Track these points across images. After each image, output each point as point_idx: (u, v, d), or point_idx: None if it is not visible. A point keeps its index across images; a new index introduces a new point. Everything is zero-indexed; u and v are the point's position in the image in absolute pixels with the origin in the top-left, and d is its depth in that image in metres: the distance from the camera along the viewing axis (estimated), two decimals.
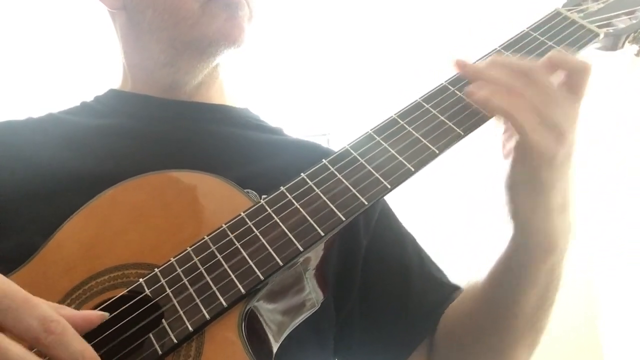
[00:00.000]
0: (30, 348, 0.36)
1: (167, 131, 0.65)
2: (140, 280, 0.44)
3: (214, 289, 0.43)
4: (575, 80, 0.47)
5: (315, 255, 0.46)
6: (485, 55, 0.53)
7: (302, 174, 0.47)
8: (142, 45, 0.67)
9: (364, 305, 0.61)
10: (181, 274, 0.44)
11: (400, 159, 0.47)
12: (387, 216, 0.68)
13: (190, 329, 0.41)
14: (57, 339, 0.35)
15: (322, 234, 0.44)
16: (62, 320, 0.36)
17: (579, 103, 0.47)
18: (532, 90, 0.45)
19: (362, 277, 0.62)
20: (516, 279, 0.51)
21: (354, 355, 0.62)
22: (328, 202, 0.45)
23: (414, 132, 0.48)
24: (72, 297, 0.45)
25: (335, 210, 0.45)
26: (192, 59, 0.65)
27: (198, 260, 0.44)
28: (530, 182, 0.47)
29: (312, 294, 0.47)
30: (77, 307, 0.44)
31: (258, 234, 0.45)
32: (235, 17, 0.63)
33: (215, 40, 0.63)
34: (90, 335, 0.40)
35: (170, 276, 0.44)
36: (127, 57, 0.70)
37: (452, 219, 2.95)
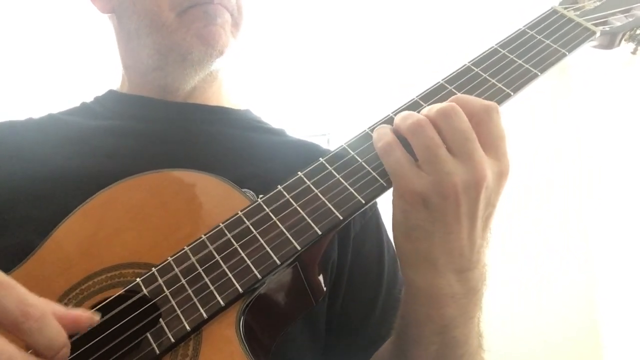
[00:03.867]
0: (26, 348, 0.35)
1: (165, 132, 0.65)
2: (138, 279, 0.44)
3: (212, 288, 0.43)
4: (480, 124, 0.42)
5: (313, 253, 0.46)
6: (483, 53, 0.53)
7: (299, 172, 0.47)
8: (132, 48, 0.68)
9: (342, 305, 0.62)
10: (178, 273, 0.44)
11: None
12: (377, 224, 0.67)
13: (188, 328, 0.41)
14: (35, 326, 0.34)
15: (320, 232, 0.44)
16: (40, 303, 0.35)
17: (479, 155, 0.40)
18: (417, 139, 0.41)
19: (347, 279, 0.62)
20: (407, 334, 0.47)
21: (328, 352, 0.62)
22: (325, 201, 0.45)
23: None
24: (69, 297, 0.45)
25: (333, 209, 0.45)
26: (178, 65, 0.65)
27: (195, 259, 0.44)
28: (403, 226, 0.43)
29: (310, 291, 0.47)
30: (74, 307, 0.44)
31: (255, 233, 0.45)
32: (212, 24, 0.62)
33: (193, 47, 0.62)
34: (88, 335, 0.40)
35: (168, 275, 0.44)
36: (122, 59, 0.71)
37: None
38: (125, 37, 0.68)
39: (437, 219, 0.40)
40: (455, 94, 0.50)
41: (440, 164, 0.39)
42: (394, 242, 0.45)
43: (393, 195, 0.43)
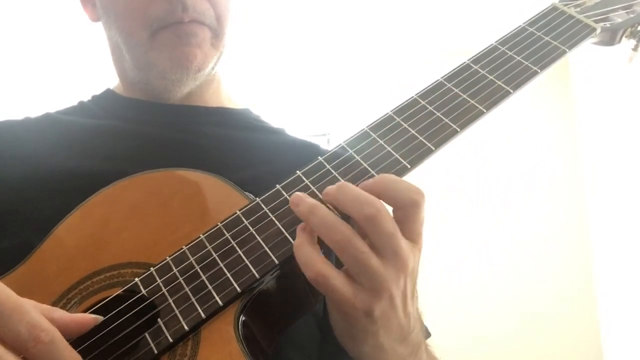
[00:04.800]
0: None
1: (164, 134, 0.65)
2: (136, 279, 0.44)
3: (210, 287, 0.42)
4: (404, 218, 0.41)
5: None
6: (483, 51, 0.53)
7: (297, 171, 0.47)
8: (117, 59, 0.69)
9: None
10: (177, 272, 0.44)
11: (396, 155, 0.47)
12: None
13: (186, 328, 0.41)
14: (46, 349, 0.35)
15: None
16: (51, 329, 0.36)
17: (406, 247, 0.41)
18: (344, 250, 0.40)
19: None
20: None
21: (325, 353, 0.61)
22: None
23: (410, 128, 0.48)
24: (67, 297, 0.45)
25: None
26: (159, 82, 0.65)
27: (194, 259, 0.44)
28: (349, 331, 0.44)
29: (309, 291, 0.47)
30: (73, 307, 0.44)
31: (254, 232, 0.45)
32: (186, 46, 0.61)
33: (168, 68, 0.62)
34: (85, 335, 0.40)
35: (166, 275, 0.44)
36: (114, 64, 0.71)
37: (449, 216, 2.95)
38: (111, 46, 0.69)
39: (379, 319, 0.42)
40: (454, 91, 0.50)
41: (374, 274, 0.40)
42: (340, 342, 0.46)
43: (330, 308, 0.44)
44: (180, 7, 0.60)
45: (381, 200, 0.41)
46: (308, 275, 0.40)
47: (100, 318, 0.39)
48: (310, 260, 0.40)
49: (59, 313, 0.38)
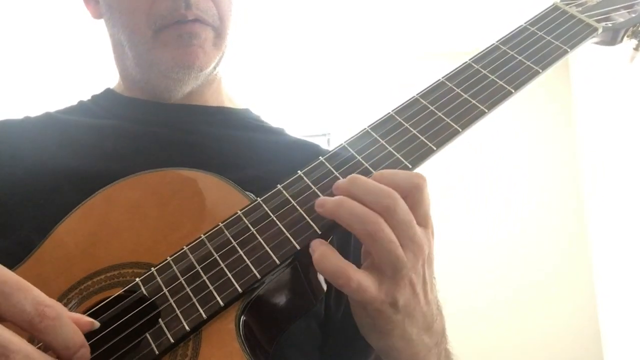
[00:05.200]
0: (29, 339, 0.36)
1: (164, 134, 0.64)
2: (137, 279, 0.44)
3: (211, 288, 0.42)
4: (412, 202, 0.42)
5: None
6: (484, 50, 0.53)
7: (298, 171, 0.47)
8: (119, 56, 0.68)
9: (345, 307, 0.61)
10: (177, 273, 0.44)
11: (398, 155, 0.46)
12: None
13: (187, 328, 0.41)
14: (51, 324, 0.35)
15: (319, 232, 0.43)
16: (56, 304, 0.36)
17: (417, 233, 0.41)
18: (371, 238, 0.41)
19: None
20: None
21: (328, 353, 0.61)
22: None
23: (411, 128, 0.48)
24: (68, 297, 0.45)
25: None
26: (161, 81, 0.65)
27: (194, 259, 0.44)
28: (375, 325, 0.44)
29: (310, 291, 0.47)
30: (74, 307, 0.44)
31: (255, 232, 0.44)
32: (188, 46, 0.61)
33: (170, 67, 0.62)
34: (87, 335, 0.40)
35: (167, 275, 0.44)
36: (115, 63, 0.71)
37: (449, 216, 2.95)
38: (113, 44, 0.69)
39: (402, 308, 0.42)
40: (456, 91, 0.50)
41: (399, 263, 0.41)
42: (367, 340, 0.47)
43: (354, 307, 0.45)
44: (184, 4, 0.60)
45: (395, 192, 0.41)
46: (340, 284, 0.40)
47: (97, 324, 0.39)
48: (341, 269, 0.40)
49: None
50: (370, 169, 0.46)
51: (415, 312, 0.44)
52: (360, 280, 0.40)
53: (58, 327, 0.35)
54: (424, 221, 0.43)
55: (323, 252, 0.41)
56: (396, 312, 0.42)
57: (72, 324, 0.36)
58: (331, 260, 0.41)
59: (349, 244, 0.60)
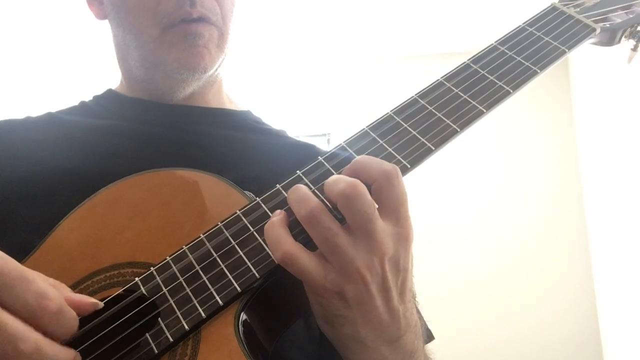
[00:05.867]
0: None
1: (165, 134, 0.65)
2: (136, 279, 0.44)
3: (210, 287, 0.42)
4: (378, 191, 0.41)
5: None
6: (483, 51, 0.53)
7: (297, 171, 0.47)
8: (123, 57, 0.69)
9: None
10: (177, 272, 0.44)
11: (397, 155, 0.47)
12: None
13: (187, 328, 0.41)
14: (54, 317, 0.35)
15: None
16: (58, 297, 0.36)
17: (389, 226, 0.40)
18: (314, 228, 0.40)
19: None
20: None
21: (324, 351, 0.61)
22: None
23: (410, 128, 0.48)
24: None
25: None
26: (165, 81, 0.65)
27: (194, 258, 0.44)
28: (325, 316, 0.43)
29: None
30: None
31: (254, 232, 0.45)
32: (193, 47, 0.61)
33: (175, 68, 0.62)
34: (86, 334, 0.40)
35: (166, 275, 0.44)
36: (118, 63, 0.71)
37: (448, 215, 2.95)
38: (117, 44, 0.69)
39: (353, 304, 0.40)
40: (454, 91, 0.50)
41: (342, 253, 0.39)
42: (320, 328, 0.45)
43: (307, 293, 0.43)
44: (189, 1, 0.60)
45: (359, 181, 0.40)
46: (275, 256, 0.40)
47: (100, 304, 0.40)
48: (278, 240, 0.40)
49: (62, 288, 0.39)
50: None
51: (368, 314, 0.41)
52: (299, 258, 0.39)
53: (59, 320, 0.36)
54: (393, 218, 0.41)
55: (273, 221, 0.41)
56: (345, 305, 0.41)
57: (74, 315, 0.37)
58: (275, 230, 0.41)
59: None
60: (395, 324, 0.43)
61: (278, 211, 0.43)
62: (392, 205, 0.41)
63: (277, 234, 0.41)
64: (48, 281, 0.38)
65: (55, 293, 0.36)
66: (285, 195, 0.46)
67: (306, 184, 0.46)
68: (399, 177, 0.41)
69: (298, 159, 0.51)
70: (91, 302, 0.39)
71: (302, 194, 0.41)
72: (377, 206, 0.41)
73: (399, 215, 0.41)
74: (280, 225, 0.41)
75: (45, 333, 0.36)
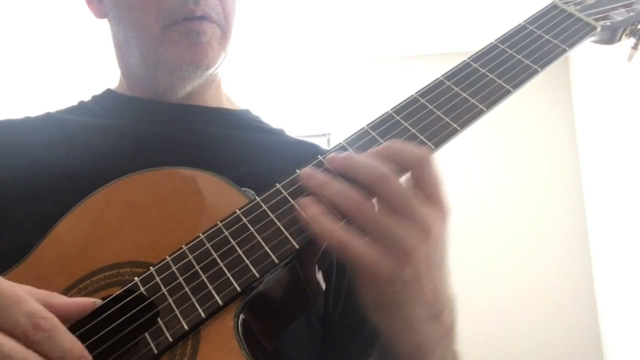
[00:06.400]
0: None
1: (164, 133, 0.65)
2: (136, 278, 0.44)
3: (210, 287, 0.42)
4: (415, 176, 0.42)
5: (311, 251, 0.46)
6: (483, 49, 0.53)
7: (297, 170, 0.47)
8: (123, 55, 0.68)
9: (345, 302, 0.61)
10: (176, 272, 0.44)
11: None
12: None
13: (186, 327, 0.41)
14: (46, 336, 0.35)
15: None
16: (50, 316, 0.36)
17: (430, 206, 0.41)
18: (362, 215, 0.41)
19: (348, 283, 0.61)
20: None
21: (331, 353, 0.61)
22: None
23: (410, 127, 0.48)
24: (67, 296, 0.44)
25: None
26: (166, 79, 0.65)
27: (193, 258, 0.44)
28: (380, 303, 0.43)
29: (309, 290, 0.47)
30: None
31: (254, 231, 0.44)
32: (196, 44, 0.61)
33: (178, 65, 0.62)
34: (85, 335, 0.40)
35: (166, 274, 0.44)
36: (118, 62, 0.71)
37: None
38: (117, 43, 0.69)
39: (408, 285, 0.41)
40: (454, 89, 0.50)
41: (394, 234, 0.40)
42: (371, 318, 0.45)
43: (359, 282, 0.43)
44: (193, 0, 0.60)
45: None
46: (330, 244, 0.40)
47: (98, 301, 0.40)
48: (330, 229, 0.40)
49: (60, 298, 0.39)
50: None
51: (421, 294, 0.42)
52: (354, 244, 0.40)
53: (52, 338, 0.36)
54: (431, 199, 0.42)
55: (315, 213, 0.41)
56: (401, 288, 0.41)
57: (68, 334, 0.37)
58: (322, 220, 0.41)
59: None
60: (438, 300, 0.44)
61: (309, 201, 0.42)
62: (428, 188, 0.42)
63: (326, 223, 0.41)
64: (41, 293, 0.38)
65: (47, 312, 0.36)
66: (286, 194, 0.46)
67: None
68: (431, 160, 0.43)
69: (297, 157, 0.51)
70: (91, 301, 0.39)
71: (338, 188, 0.42)
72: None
73: (437, 195, 0.42)
74: (325, 214, 0.41)
75: (41, 353, 0.35)
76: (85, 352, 0.37)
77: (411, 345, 0.44)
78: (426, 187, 0.42)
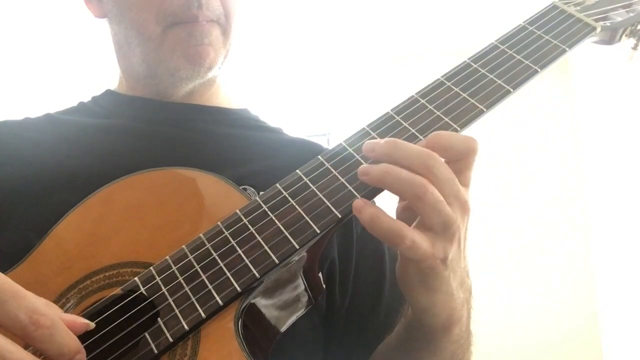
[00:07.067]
0: (25, 345, 0.36)
1: (164, 132, 0.65)
2: (136, 279, 0.44)
3: (210, 287, 0.42)
4: (460, 165, 0.44)
5: (311, 252, 0.46)
6: (483, 50, 0.53)
7: (297, 170, 0.47)
8: (124, 55, 0.68)
9: (351, 300, 0.62)
10: (176, 272, 0.44)
11: None
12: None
13: (186, 327, 0.41)
14: (47, 332, 0.35)
15: (318, 231, 0.43)
16: (51, 313, 0.36)
17: (466, 191, 0.44)
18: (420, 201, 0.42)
19: (353, 276, 0.61)
20: (420, 351, 0.52)
21: (336, 348, 0.62)
22: (324, 199, 0.45)
23: (410, 127, 0.48)
24: (67, 297, 0.45)
25: (332, 208, 0.44)
26: (167, 78, 0.65)
27: (193, 258, 0.44)
28: (424, 282, 0.44)
29: (309, 290, 0.47)
30: (72, 307, 0.44)
31: (254, 231, 0.44)
32: (199, 45, 0.61)
33: (180, 66, 0.62)
34: (85, 334, 0.40)
35: (166, 275, 0.44)
36: (118, 62, 0.71)
37: None
38: (117, 42, 0.69)
39: (451, 263, 0.44)
40: (454, 90, 0.50)
41: (449, 220, 0.42)
42: (410, 298, 0.47)
43: (405, 264, 0.45)
44: (196, 3, 0.60)
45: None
46: (394, 243, 0.41)
47: (92, 325, 0.39)
48: (398, 229, 0.41)
49: (54, 309, 0.38)
50: None
51: (457, 267, 0.45)
52: (414, 238, 0.41)
53: (52, 335, 0.35)
54: (467, 182, 0.45)
55: (373, 214, 0.42)
56: (445, 268, 0.43)
57: (67, 330, 0.36)
58: (386, 220, 0.41)
59: (351, 237, 0.61)
60: (467, 267, 0.48)
61: (361, 203, 0.42)
62: (470, 175, 0.45)
63: (391, 223, 0.42)
64: (40, 300, 0.38)
65: (47, 309, 0.36)
66: (285, 194, 0.46)
67: (306, 183, 0.46)
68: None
69: (297, 154, 0.51)
70: (83, 322, 0.38)
71: (403, 174, 0.42)
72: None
73: (470, 179, 0.46)
74: (384, 214, 0.42)
75: (39, 350, 0.35)
76: (82, 348, 0.37)
77: (448, 313, 0.47)
78: (469, 175, 0.45)
